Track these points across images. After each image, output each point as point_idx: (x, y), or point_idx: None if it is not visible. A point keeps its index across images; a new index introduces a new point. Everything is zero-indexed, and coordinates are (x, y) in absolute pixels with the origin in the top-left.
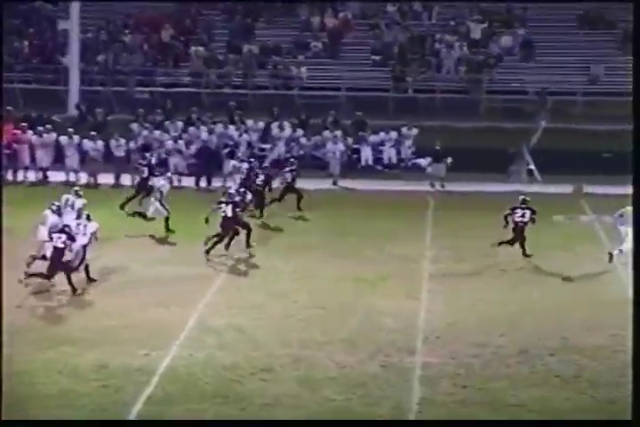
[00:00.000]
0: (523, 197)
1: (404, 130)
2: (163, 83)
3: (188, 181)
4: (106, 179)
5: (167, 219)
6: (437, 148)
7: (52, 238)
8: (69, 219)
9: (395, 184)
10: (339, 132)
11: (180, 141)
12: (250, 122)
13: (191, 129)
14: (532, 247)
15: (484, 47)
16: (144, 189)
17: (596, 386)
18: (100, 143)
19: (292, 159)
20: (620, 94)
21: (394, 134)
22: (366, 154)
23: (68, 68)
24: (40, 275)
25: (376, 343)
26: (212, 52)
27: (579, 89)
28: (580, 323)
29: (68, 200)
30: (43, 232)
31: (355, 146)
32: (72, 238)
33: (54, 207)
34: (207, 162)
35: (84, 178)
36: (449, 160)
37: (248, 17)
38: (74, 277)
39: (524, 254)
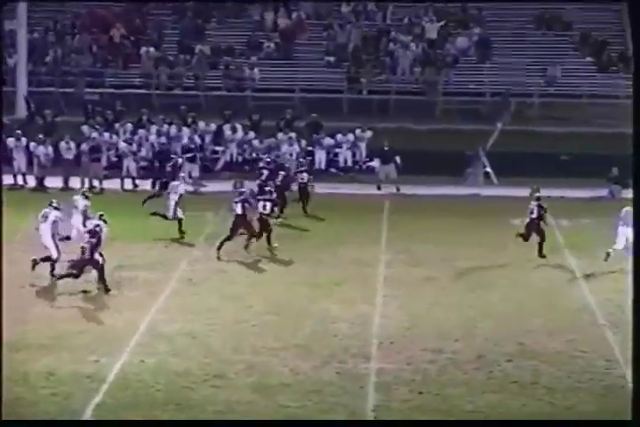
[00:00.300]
0: (537, 194)
1: (359, 132)
2: (112, 84)
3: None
4: (54, 182)
5: (180, 221)
6: (386, 148)
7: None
8: (77, 220)
9: (350, 187)
10: (293, 134)
11: (133, 144)
12: (202, 124)
13: (141, 131)
14: (490, 251)
15: (439, 48)
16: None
17: (553, 392)
18: (49, 147)
19: (301, 160)
20: (576, 96)
21: (351, 136)
22: (320, 157)
23: (16, 68)
24: (69, 275)
25: (331, 349)
26: (163, 53)
27: (535, 90)
28: (537, 328)
29: (75, 201)
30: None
31: (309, 148)
32: (99, 239)
33: (55, 204)
34: (163, 165)
35: (31, 181)
36: (398, 160)
37: (199, 17)
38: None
39: (540, 255)
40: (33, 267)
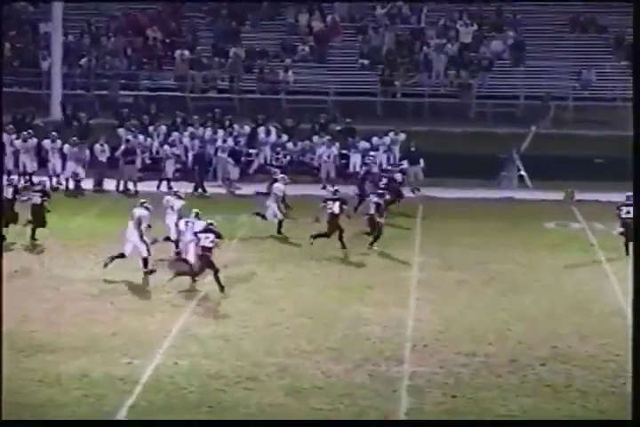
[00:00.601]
0: (628, 193)
1: (392, 135)
2: (147, 86)
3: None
4: (87, 184)
5: (280, 222)
6: (412, 149)
7: (199, 238)
8: (171, 220)
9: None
10: (328, 137)
11: (174, 147)
12: (236, 127)
13: (175, 134)
14: (523, 254)
15: (474, 51)
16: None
17: (586, 396)
18: (84, 149)
19: (401, 161)
20: (611, 100)
21: (387, 140)
22: (355, 160)
23: (51, 71)
24: (188, 273)
25: (363, 352)
26: (198, 56)
27: (570, 94)
28: (570, 332)
29: (168, 202)
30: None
31: (343, 151)
32: (219, 236)
33: (146, 205)
34: (202, 168)
35: (70, 183)
36: (422, 162)
37: (234, 19)
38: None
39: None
40: (105, 265)
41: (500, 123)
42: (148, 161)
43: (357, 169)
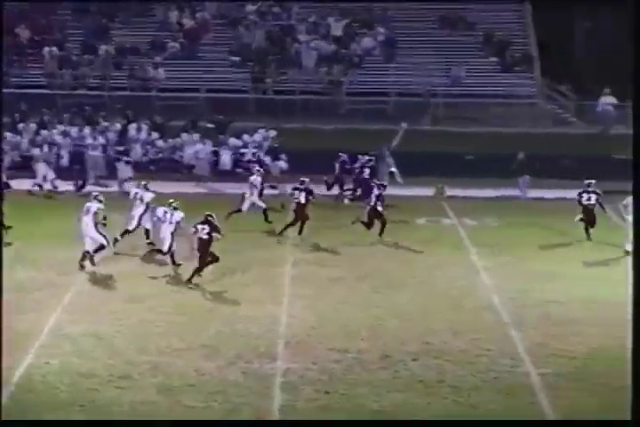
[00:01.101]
0: (588, 181)
1: (263, 132)
2: (16, 84)
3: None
4: None
5: (265, 210)
6: (275, 145)
7: (196, 230)
8: (137, 211)
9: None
10: (197, 135)
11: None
12: (106, 124)
13: (43, 132)
14: (396, 251)
15: (344, 48)
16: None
17: (458, 390)
18: None
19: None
20: (481, 96)
21: (257, 137)
22: (226, 157)
23: None
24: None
25: (237, 349)
26: (67, 53)
27: (440, 90)
28: (443, 327)
29: (137, 194)
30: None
31: (214, 148)
32: (216, 229)
33: (100, 198)
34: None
35: None
36: (284, 157)
37: (103, 17)
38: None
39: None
40: (82, 259)
41: (371, 119)
42: (17, 159)
43: (228, 167)
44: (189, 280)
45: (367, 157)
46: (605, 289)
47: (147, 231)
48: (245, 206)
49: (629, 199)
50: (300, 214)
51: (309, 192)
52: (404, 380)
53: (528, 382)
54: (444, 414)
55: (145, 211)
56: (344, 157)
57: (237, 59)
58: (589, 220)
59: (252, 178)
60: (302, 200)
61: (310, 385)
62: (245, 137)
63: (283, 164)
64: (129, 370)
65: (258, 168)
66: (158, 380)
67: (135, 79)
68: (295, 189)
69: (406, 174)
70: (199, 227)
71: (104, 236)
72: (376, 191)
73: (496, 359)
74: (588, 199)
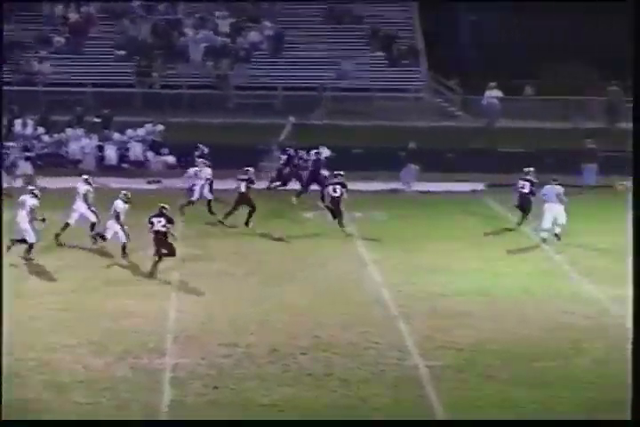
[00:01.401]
0: (527, 169)
1: (149, 127)
2: None
3: None
4: None
5: (210, 202)
6: (158, 139)
7: (152, 223)
8: (78, 205)
9: (141, 182)
10: (82, 130)
11: None
12: None
13: None
14: (284, 245)
15: (231, 42)
16: None
17: (347, 384)
18: None
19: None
20: (369, 90)
21: (141, 131)
22: (111, 152)
23: None
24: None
25: (125, 345)
26: None
27: (328, 85)
28: (331, 321)
29: (77, 188)
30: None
31: (99, 143)
32: (171, 221)
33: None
34: None
35: None
36: (165, 151)
37: None
38: None
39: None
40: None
41: (259, 114)
42: None
43: (113, 162)
44: (151, 273)
45: (315, 151)
46: (492, 282)
47: (92, 225)
48: (195, 196)
49: (547, 187)
50: (240, 203)
51: (250, 181)
52: (293, 373)
53: (416, 374)
54: (333, 406)
55: (86, 203)
56: (290, 150)
57: (123, 53)
58: (522, 207)
59: (194, 170)
60: (243, 189)
61: (199, 380)
62: (129, 131)
63: (170, 158)
64: (17, 367)
65: (204, 160)
66: (46, 377)
67: (20, 74)
68: (238, 179)
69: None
70: (154, 220)
71: (34, 232)
72: (336, 182)
73: (384, 352)
74: (522, 187)
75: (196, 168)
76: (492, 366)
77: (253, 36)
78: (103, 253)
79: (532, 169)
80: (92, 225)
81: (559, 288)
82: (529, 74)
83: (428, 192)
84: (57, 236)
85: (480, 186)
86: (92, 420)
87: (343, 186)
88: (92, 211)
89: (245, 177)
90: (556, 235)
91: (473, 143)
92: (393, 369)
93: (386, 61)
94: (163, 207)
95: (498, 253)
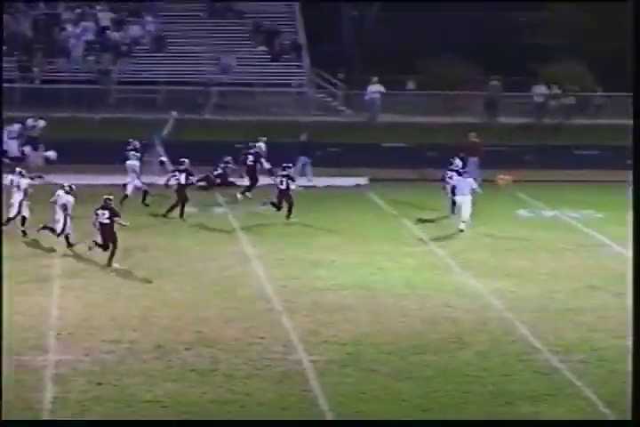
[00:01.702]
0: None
1: (30, 122)
2: None
3: None
4: None
5: (146, 192)
6: (35, 135)
7: (97, 215)
8: (16, 198)
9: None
10: None
11: None
12: None
13: None
14: (166, 240)
15: (113, 37)
16: None
17: (232, 379)
18: None
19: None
20: (251, 85)
21: (16, 127)
22: None
23: None
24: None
25: (6, 342)
26: None
27: (211, 80)
28: (215, 316)
29: (13, 181)
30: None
31: None
32: (116, 213)
33: None
34: None
35: None
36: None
37: None
38: None
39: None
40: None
41: (141, 109)
42: None
43: None
44: (109, 264)
45: (252, 144)
46: (375, 276)
47: (23, 218)
48: (130, 190)
49: (459, 180)
50: (181, 195)
51: (189, 173)
52: (178, 369)
53: (301, 369)
54: (218, 402)
55: (24, 197)
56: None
57: (4, 48)
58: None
59: (129, 163)
60: (182, 181)
61: (82, 377)
62: (8, 127)
63: (51, 153)
64: None
65: (135, 153)
66: None
67: None
68: (175, 170)
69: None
70: (99, 212)
71: None
72: (283, 173)
73: (269, 347)
74: (450, 177)
75: (131, 162)
76: (375, 361)
77: (135, 30)
78: None
79: (456, 159)
80: None
81: (442, 282)
82: (411, 69)
83: (313, 187)
84: None
85: (364, 180)
86: (92, 420)
87: (290, 178)
88: None
89: (182, 168)
90: (462, 230)
91: (356, 138)
92: (278, 364)
93: (268, 56)
94: (107, 199)
95: (381, 247)
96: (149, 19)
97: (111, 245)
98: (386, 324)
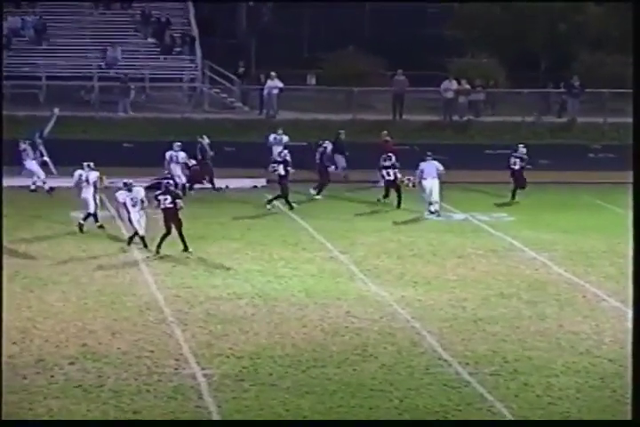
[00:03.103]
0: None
1: None
2: None
3: None
4: None
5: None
6: None
7: (158, 200)
8: (88, 193)
9: None
10: None
11: None
12: None
13: None
14: (48, 247)
15: None
16: None
17: (119, 395)
18: None
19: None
20: (139, 79)
21: None
22: None
23: None
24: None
25: None
26: None
27: (95, 73)
28: (101, 328)
29: (81, 176)
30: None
31: None
32: (178, 197)
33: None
34: None
35: None
36: None
37: None
38: None
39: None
40: None
41: (20, 105)
42: None
43: None
44: (185, 249)
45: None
46: (273, 284)
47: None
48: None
49: (424, 164)
50: (284, 187)
51: (287, 164)
52: (61, 385)
53: (194, 384)
54: (104, 420)
55: (95, 191)
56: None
57: None
58: (516, 182)
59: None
60: (282, 172)
61: None
62: None
63: None
64: None
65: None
66: None
67: None
68: (275, 162)
69: (65, 164)
70: (161, 197)
71: None
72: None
73: (159, 361)
74: (514, 164)
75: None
76: (273, 374)
77: (13, 22)
78: None
79: (521, 146)
80: None
81: (344, 290)
82: (311, 63)
83: (205, 189)
84: None
85: (262, 182)
86: (92, 420)
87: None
88: None
89: (280, 159)
90: (433, 212)
91: (253, 137)
92: (169, 379)
93: (158, 49)
94: (167, 184)
95: (280, 253)
96: (29, 9)
97: (176, 231)
98: (285, 335)
